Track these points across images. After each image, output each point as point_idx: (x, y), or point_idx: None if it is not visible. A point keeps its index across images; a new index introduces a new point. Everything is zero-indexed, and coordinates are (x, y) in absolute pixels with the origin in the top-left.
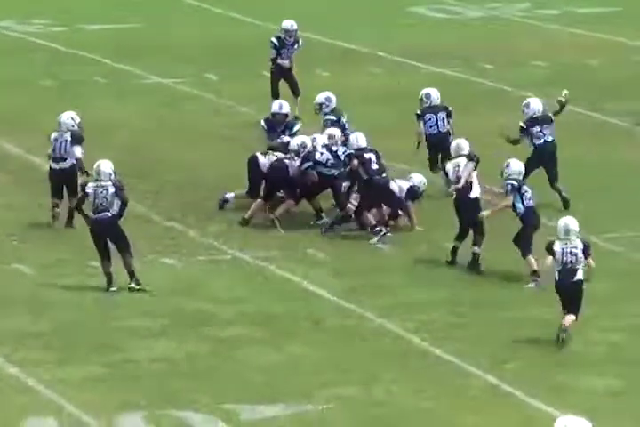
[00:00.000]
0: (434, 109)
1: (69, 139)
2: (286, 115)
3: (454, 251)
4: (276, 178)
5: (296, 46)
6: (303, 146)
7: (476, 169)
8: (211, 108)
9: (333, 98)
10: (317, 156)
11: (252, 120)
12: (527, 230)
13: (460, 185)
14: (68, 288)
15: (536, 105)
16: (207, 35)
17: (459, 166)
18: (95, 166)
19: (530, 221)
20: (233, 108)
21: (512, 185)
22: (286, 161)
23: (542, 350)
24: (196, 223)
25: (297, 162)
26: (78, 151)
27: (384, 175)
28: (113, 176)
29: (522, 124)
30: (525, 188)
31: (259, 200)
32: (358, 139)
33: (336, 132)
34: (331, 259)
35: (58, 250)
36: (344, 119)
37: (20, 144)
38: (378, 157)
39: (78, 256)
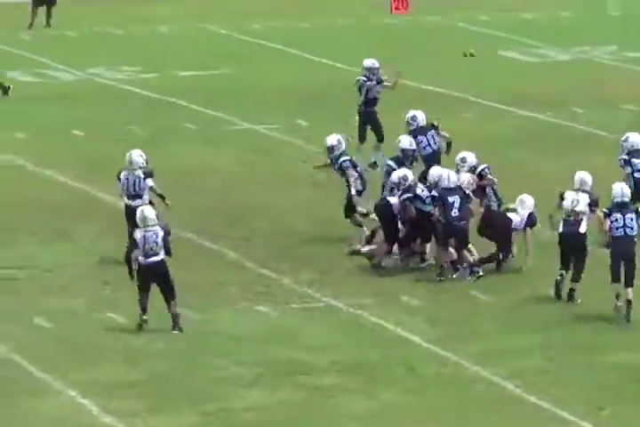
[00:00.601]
0: (422, 131)
1: (142, 176)
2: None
3: (559, 284)
4: (380, 215)
5: (379, 86)
6: (404, 179)
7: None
8: (301, 154)
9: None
10: (418, 190)
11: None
12: (611, 258)
13: (582, 229)
14: (160, 337)
15: (635, 139)
16: (297, 81)
17: (577, 201)
18: (139, 213)
19: (614, 249)
20: (323, 155)
21: (603, 212)
22: (389, 198)
23: (638, 395)
24: (289, 270)
25: (397, 195)
26: (150, 182)
27: (463, 222)
28: (157, 220)
29: (624, 157)
30: (617, 215)
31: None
32: (450, 178)
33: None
34: (425, 305)
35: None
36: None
37: (112, 191)
38: (463, 201)
39: None
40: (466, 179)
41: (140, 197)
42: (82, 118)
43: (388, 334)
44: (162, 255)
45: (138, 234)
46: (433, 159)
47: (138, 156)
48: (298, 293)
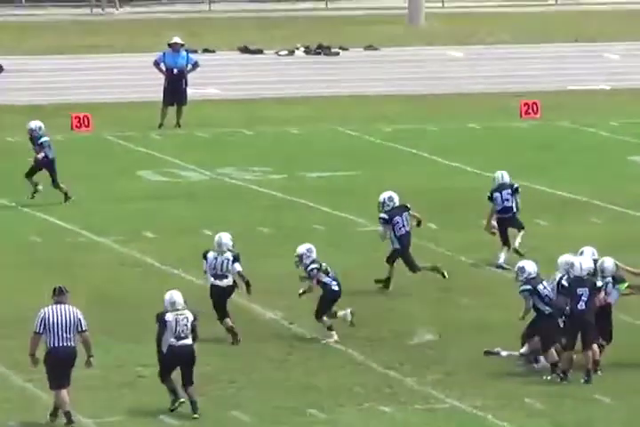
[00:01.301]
0: (397, 211)
1: (231, 258)
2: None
3: None
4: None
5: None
6: (522, 271)
7: None
8: (428, 258)
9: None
10: (540, 286)
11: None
12: None
13: None
14: None
15: None
16: (426, 183)
17: None
18: (169, 297)
19: None
20: (451, 258)
21: None
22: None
23: None
24: (413, 372)
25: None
26: (238, 266)
27: (589, 316)
28: (186, 305)
29: None
30: None
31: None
32: (582, 266)
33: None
34: (549, 409)
35: (274, 397)
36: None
37: (237, 291)
38: (592, 294)
39: (295, 402)
40: (611, 265)
41: (226, 277)
42: (210, 218)
43: None
44: (190, 340)
45: (170, 317)
46: (407, 240)
47: (228, 239)
48: (422, 393)
